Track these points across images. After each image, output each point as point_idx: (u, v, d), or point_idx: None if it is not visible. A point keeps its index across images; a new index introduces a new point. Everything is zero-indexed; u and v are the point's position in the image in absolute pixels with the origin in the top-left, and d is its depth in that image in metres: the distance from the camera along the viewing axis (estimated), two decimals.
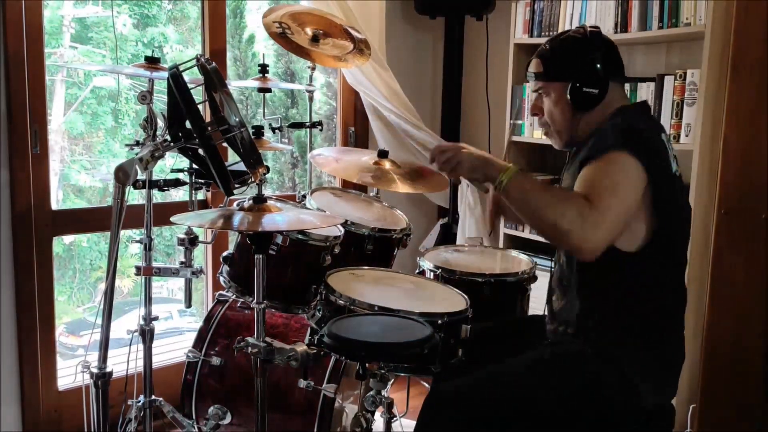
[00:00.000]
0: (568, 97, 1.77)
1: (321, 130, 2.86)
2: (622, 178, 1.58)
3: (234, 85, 2.77)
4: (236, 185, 1.83)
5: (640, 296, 1.71)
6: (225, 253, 2.22)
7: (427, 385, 2.11)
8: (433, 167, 1.78)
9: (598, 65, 1.75)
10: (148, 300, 2.23)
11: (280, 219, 1.84)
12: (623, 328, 1.72)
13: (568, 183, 1.77)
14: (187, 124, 1.75)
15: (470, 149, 1.72)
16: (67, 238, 3.28)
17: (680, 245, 1.78)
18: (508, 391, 1.70)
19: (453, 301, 1.94)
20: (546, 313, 1.92)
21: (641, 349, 1.71)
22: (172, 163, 2.28)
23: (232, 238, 2.50)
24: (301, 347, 1.89)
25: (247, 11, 3.01)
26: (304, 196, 2.56)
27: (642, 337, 1.72)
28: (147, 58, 2.17)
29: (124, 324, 3.19)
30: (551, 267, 2.01)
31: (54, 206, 2.59)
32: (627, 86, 2.83)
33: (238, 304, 2.39)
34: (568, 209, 1.52)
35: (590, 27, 1.82)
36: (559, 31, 3.01)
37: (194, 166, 2.20)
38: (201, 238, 2.21)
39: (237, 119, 1.81)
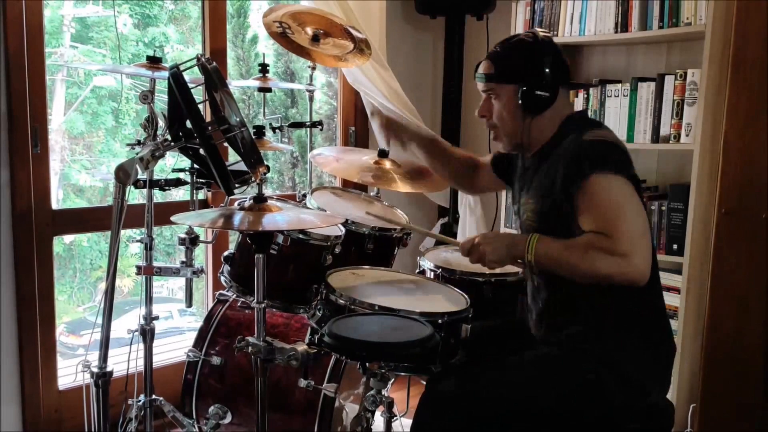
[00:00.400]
0: (519, 100, 1.78)
1: (321, 129, 2.86)
2: (619, 197, 1.61)
3: (234, 84, 2.77)
4: (237, 185, 1.83)
5: (636, 296, 1.71)
6: (226, 253, 2.22)
7: None
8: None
9: (549, 70, 1.76)
10: (149, 299, 2.23)
11: (280, 218, 1.84)
12: (621, 327, 1.72)
13: (534, 203, 1.78)
14: (188, 124, 1.75)
15: (487, 239, 1.74)
16: (68, 238, 3.28)
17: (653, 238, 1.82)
18: (505, 389, 1.71)
19: (453, 300, 1.94)
20: (533, 319, 1.93)
21: (640, 347, 1.71)
22: (173, 162, 2.28)
23: (233, 238, 2.51)
24: (301, 347, 1.90)
25: (250, 11, 3.01)
26: (304, 196, 2.56)
27: (641, 336, 1.73)
28: (148, 58, 2.17)
29: (125, 323, 3.19)
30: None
31: (54, 206, 2.59)
32: (628, 85, 2.84)
33: (239, 304, 2.39)
34: (596, 256, 1.56)
35: (542, 32, 1.83)
36: (560, 30, 3.02)
37: (195, 165, 2.20)
38: (202, 238, 2.21)
39: (237, 119, 1.81)
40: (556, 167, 1.70)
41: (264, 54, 2.72)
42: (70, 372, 2.11)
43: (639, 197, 1.67)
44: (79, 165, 3.33)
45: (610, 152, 1.66)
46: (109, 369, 1.88)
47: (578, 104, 3.00)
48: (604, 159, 1.64)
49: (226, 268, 2.22)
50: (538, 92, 1.76)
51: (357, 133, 3.53)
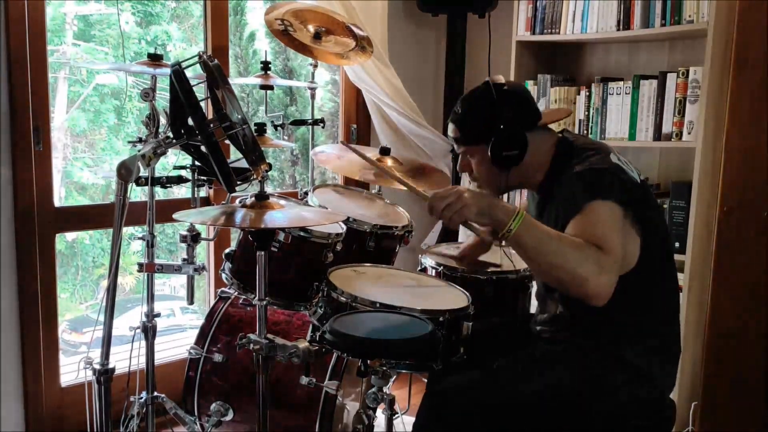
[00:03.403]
0: (490, 158, 1.74)
1: (323, 127, 2.86)
2: (609, 221, 1.59)
3: (236, 82, 2.77)
4: (238, 182, 1.83)
5: (641, 299, 1.72)
6: (227, 250, 2.22)
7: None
8: (433, 215, 1.69)
9: (511, 122, 1.72)
10: (151, 297, 2.23)
11: (282, 216, 1.84)
12: (626, 328, 1.73)
13: None
14: (190, 121, 1.75)
15: (470, 190, 1.66)
16: (70, 235, 3.28)
17: (668, 240, 1.82)
18: (508, 387, 1.71)
19: (455, 298, 1.94)
20: (536, 317, 1.92)
21: (644, 345, 1.72)
22: (175, 160, 2.28)
23: (234, 236, 2.51)
24: (302, 344, 1.89)
25: (247, 9, 3.01)
26: (306, 193, 2.56)
27: (645, 335, 1.73)
28: (150, 55, 2.18)
29: (127, 321, 3.20)
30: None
31: (57, 203, 2.60)
32: (630, 83, 2.84)
33: (240, 301, 2.39)
34: (586, 257, 1.51)
35: (495, 81, 1.77)
36: (562, 28, 3.02)
37: (196, 163, 2.20)
38: (203, 235, 2.21)
39: (239, 116, 1.81)
40: (558, 207, 1.70)
41: (266, 51, 2.72)
42: (73, 369, 2.12)
43: (634, 207, 1.65)
44: (82, 163, 3.34)
45: (600, 180, 1.64)
46: (111, 366, 1.88)
47: (580, 102, 3.00)
48: (597, 188, 1.62)
49: (228, 265, 2.22)
50: (506, 153, 1.72)
51: (359, 131, 3.53)
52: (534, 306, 2.25)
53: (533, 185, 1.85)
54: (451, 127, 1.83)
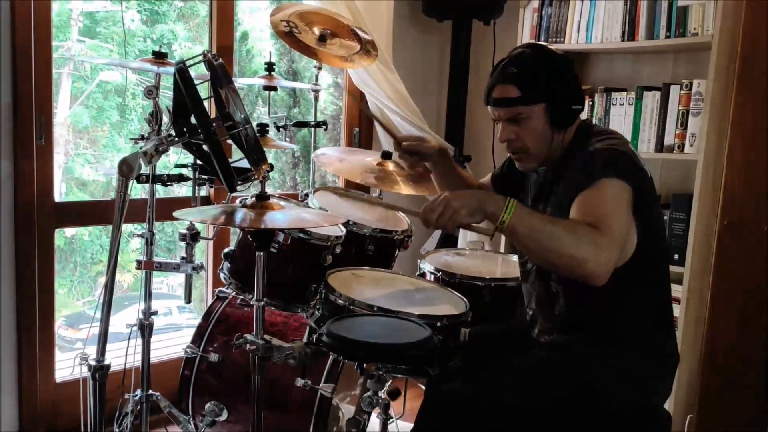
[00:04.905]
0: (550, 117, 1.75)
1: (325, 129, 2.86)
2: (617, 201, 1.60)
3: (239, 82, 2.77)
4: (239, 182, 1.83)
5: (637, 300, 1.72)
6: (226, 250, 2.22)
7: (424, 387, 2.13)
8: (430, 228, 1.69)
9: (574, 80, 1.77)
10: (148, 295, 2.23)
11: (282, 217, 1.84)
12: (622, 330, 1.73)
13: (557, 214, 1.75)
14: (192, 120, 1.75)
15: (456, 193, 1.64)
16: (69, 231, 3.28)
17: (665, 241, 1.86)
18: (507, 393, 1.71)
19: (453, 304, 1.94)
20: (539, 324, 1.92)
21: (640, 350, 1.72)
22: (176, 158, 2.28)
23: (234, 235, 2.51)
24: (299, 346, 1.89)
25: (239, 9, 3.02)
26: (306, 195, 2.56)
27: (642, 339, 1.73)
28: (154, 53, 2.18)
29: (124, 318, 3.19)
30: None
31: (57, 199, 2.59)
32: (633, 94, 2.84)
33: (238, 301, 2.39)
34: (581, 238, 1.51)
35: (546, 44, 1.83)
36: (567, 37, 3.02)
37: (198, 161, 2.20)
38: (203, 235, 2.21)
39: (242, 116, 1.81)
40: (569, 182, 1.70)
41: (270, 52, 2.72)
42: (68, 365, 2.11)
43: (640, 196, 1.65)
44: (83, 159, 3.34)
45: (618, 160, 1.66)
46: (106, 363, 1.88)
47: (583, 112, 2.99)
48: (614, 166, 1.63)
49: (226, 265, 2.22)
50: (574, 106, 1.75)
51: (361, 134, 3.53)
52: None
53: (550, 161, 1.84)
54: (505, 88, 1.75)
